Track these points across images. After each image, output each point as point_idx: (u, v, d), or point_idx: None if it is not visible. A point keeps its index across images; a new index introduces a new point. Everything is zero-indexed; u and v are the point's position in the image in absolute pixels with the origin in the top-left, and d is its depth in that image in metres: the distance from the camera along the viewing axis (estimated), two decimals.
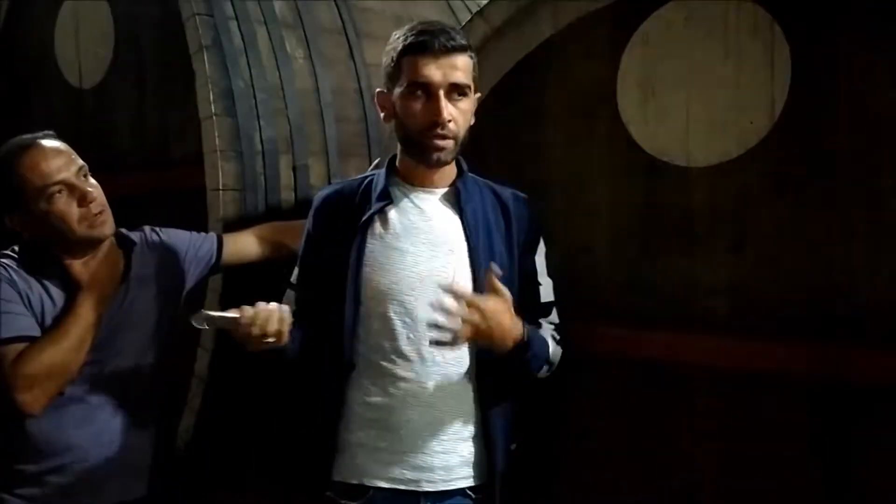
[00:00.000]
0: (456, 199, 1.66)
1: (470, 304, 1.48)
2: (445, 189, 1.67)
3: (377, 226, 1.63)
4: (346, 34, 2.59)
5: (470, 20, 1.93)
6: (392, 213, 1.64)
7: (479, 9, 1.92)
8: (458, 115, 1.58)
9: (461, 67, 1.57)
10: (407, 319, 1.59)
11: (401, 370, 1.59)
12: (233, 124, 2.22)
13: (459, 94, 1.58)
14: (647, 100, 1.77)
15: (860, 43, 1.54)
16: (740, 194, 1.67)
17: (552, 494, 1.89)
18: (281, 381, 2.22)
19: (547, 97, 1.91)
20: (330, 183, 2.35)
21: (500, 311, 1.51)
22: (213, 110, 2.19)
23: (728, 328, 1.68)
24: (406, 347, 1.58)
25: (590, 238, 1.86)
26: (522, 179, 1.82)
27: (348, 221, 1.64)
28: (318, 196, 1.73)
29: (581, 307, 1.81)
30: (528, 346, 1.58)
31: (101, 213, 1.70)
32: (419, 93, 1.56)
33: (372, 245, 1.62)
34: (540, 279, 1.71)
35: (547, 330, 1.70)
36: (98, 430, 1.71)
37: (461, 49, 1.57)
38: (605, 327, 1.82)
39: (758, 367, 1.64)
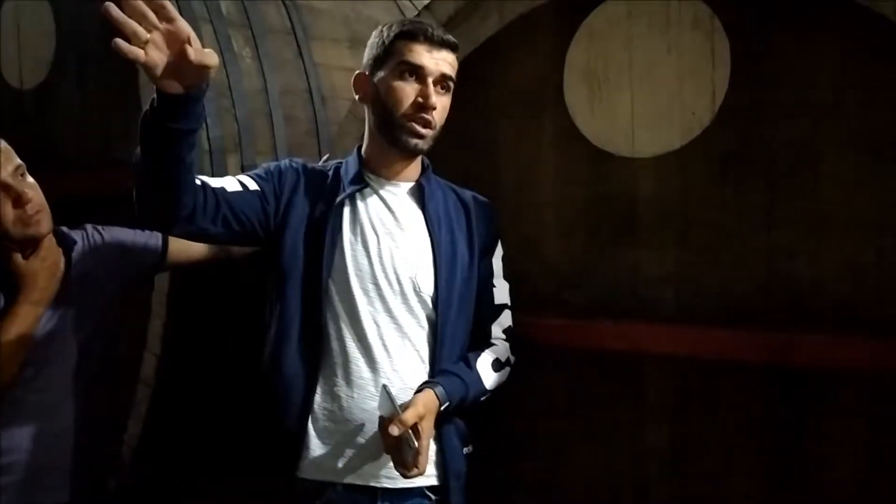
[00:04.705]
0: (420, 195, 1.66)
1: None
2: (410, 184, 1.67)
3: (346, 211, 1.61)
4: (295, 34, 2.57)
5: (417, 15, 1.93)
6: (358, 202, 1.63)
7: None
8: (440, 107, 1.60)
9: (450, 63, 1.61)
10: (371, 308, 1.57)
11: (363, 359, 1.56)
12: None
13: (444, 89, 1.60)
14: (593, 93, 1.79)
15: (797, 34, 1.58)
16: (684, 184, 1.70)
17: (508, 491, 1.88)
18: (236, 383, 2.17)
19: (495, 92, 1.93)
20: None
21: (427, 419, 1.49)
22: None
23: (675, 316, 1.71)
24: (370, 336, 1.56)
25: (539, 230, 1.87)
26: (471, 174, 1.83)
27: (319, 199, 1.61)
28: (292, 159, 1.67)
29: (529, 299, 1.81)
30: (453, 408, 1.55)
31: (37, 212, 1.65)
32: (409, 76, 1.57)
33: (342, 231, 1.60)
34: (495, 281, 1.71)
35: (486, 357, 1.64)
36: (36, 431, 1.65)
37: (452, 46, 1.61)
38: (554, 318, 1.82)
39: (705, 353, 1.66)
